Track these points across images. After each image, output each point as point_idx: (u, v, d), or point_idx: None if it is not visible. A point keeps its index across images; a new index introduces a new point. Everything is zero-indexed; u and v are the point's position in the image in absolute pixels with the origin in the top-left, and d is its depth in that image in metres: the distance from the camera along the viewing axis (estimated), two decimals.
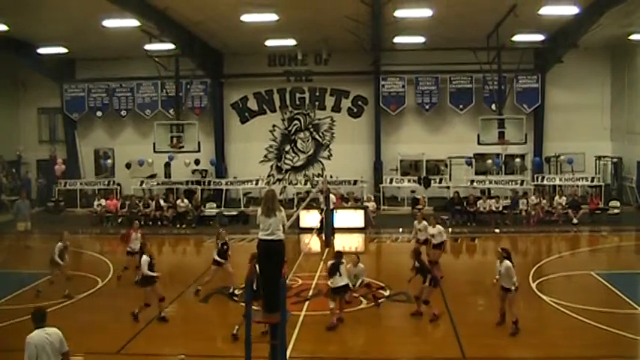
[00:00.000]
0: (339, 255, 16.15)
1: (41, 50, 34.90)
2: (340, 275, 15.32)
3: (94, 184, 38.33)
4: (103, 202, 34.01)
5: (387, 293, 18.86)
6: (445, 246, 21.46)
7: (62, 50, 35.53)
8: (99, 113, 40.02)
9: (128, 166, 37.63)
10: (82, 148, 40.97)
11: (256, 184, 36.83)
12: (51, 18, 29.35)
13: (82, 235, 30.63)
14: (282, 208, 12.18)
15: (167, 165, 37.67)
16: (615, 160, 36.63)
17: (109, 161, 39.91)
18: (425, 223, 21.49)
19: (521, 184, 34.53)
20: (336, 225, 28.55)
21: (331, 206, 28.21)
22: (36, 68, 37.58)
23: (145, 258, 16.51)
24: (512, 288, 15.34)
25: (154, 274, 16.60)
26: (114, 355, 14.28)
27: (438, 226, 20.85)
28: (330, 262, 15.92)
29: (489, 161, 35.74)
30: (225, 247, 19.61)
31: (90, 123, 40.76)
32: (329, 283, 15.84)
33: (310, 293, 18.94)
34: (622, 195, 35.34)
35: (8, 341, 15.08)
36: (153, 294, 16.52)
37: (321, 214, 27.61)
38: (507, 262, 15.54)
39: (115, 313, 17.36)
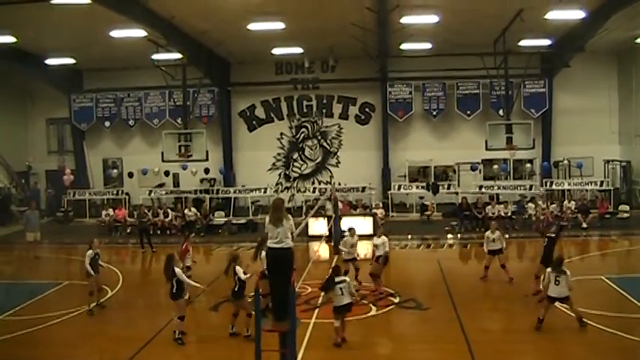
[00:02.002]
0: (336, 271, 15.64)
1: (49, 61, 35.00)
2: (342, 294, 15.07)
3: (103, 194, 38.48)
4: (111, 211, 34.06)
5: (396, 300, 18.81)
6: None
7: (70, 61, 35.68)
8: (107, 123, 40.16)
9: (131, 175, 37.74)
10: (91, 158, 41.13)
11: (264, 192, 36.83)
12: (58, 29, 29.43)
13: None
14: (290, 217, 12.18)
15: (167, 174, 37.82)
16: (624, 163, 36.53)
17: (116, 171, 40.03)
18: (498, 233, 21.34)
19: (530, 189, 34.49)
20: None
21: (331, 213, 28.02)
22: (44, 79, 37.76)
23: (178, 270, 16.24)
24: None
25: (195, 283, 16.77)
26: None
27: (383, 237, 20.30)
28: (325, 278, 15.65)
29: (496, 166, 35.65)
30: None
31: (98, 133, 40.90)
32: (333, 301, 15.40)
33: (320, 301, 18.91)
34: (631, 199, 35.20)
35: (18, 352, 15.18)
36: (188, 304, 16.57)
37: (328, 221, 27.49)
38: (548, 269, 15.80)
39: (125, 323, 17.43)
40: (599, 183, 34.68)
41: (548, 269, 15.76)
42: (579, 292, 19.02)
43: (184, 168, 35.90)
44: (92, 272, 18.51)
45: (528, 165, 36.84)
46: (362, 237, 29.11)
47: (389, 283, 20.65)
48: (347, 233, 21.09)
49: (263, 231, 12.71)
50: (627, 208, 32.48)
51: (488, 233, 21.46)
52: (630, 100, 37.02)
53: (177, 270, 16.28)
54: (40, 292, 20.61)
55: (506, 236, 27.96)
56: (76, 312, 18.12)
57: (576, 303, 16.20)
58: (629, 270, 23.01)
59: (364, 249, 28.22)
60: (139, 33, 28.57)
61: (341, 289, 14.91)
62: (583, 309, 16.75)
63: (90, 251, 18.93)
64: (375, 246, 20.18)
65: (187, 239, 21.23)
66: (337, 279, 15.07)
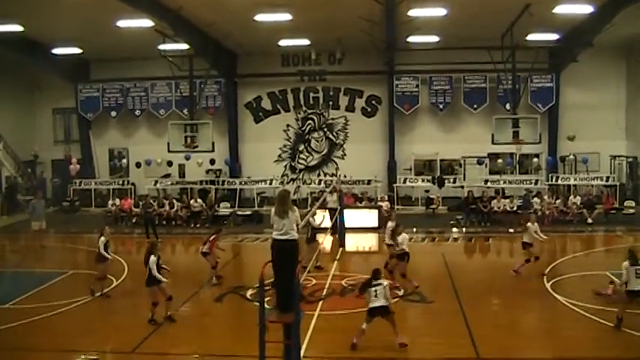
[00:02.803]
0: (375, 273, 15.18)
1: (56, 51, 35.05)
2: (376, 296, 14.88)
3: (109, 184, 38.53)
4: (117, 201, 34.14)
5: (400, 293, 18.81)
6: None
7: (76, 51, 35.71)
8: (113, 113, 40.19)
9: (138, 165, 37.78)
10: (97, 148, 41.21)
11: (270, 183, 36.85)
12: (65, 19, 29.47)
13: (96, 234, 30.63)
14: (295, 208, 12.18)
15: (170, 164, 37.85)
16: (630, 159, 36.45)
17: (124, 161, 40.06)
18: (537, 224, 21.32)
19: (536, 183, 34.44)
20: (350, 225, 28.49)
21: (337, 205, 27.87)
22: (51, 69, 37.75)
23: (153, 258, 16.48)
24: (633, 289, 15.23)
25: (161, 277, 16.67)
26: (129, 354, 14.29)
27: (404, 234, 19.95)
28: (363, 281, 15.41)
29: (501, 161, 35.60)
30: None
31: (104, 123, 40.96)
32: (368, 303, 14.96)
33: (324, 293, 18.95)
34: (637, 195, 35.16)
35: (23, 340, 15.23)
36: (160, 293, 16.51)
37: (331, 214, 27.39)
38: (625, 262, 15.45)
39: (129, 313, 17.47)
40: (605, 178, 34.61)
41: (626, 263, 15.49)
42: (585, 288, 19.06)
43: (187, 158, 35.93)
44: (108, 255, 19.05)
45: (535, 159, 36.74)
46: (367, 230, 29.37)
47: (393, 276, 20.67)
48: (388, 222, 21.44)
49: (269, 222, 12.71)
50: (633, 203, 32.49)
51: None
52: (638, 95, 36.88)
53: (152, 259, 16.47)
54: (45, 281, 20.67)
55: (511, 231, 28.05)
56: (81, 301, 18.16)
57: (580, 299, 16.21)
58: None
59: (369, 241, 28.39)
60: (146, 23, 28.63)
61: (376, 291, 14.74)
62: (588, 305, 16.78)
63: (102, 238, 19.15)
64: (395, 244, 19.80)
65: (218, 233, 21.82)
66: (374, 282, 14.90)
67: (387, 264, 19.88)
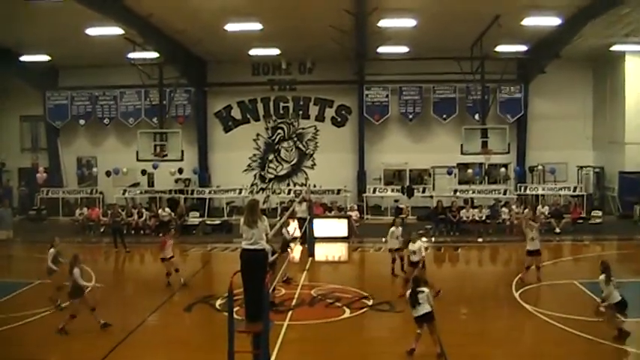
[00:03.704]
0: (416, 281, 15.25)
1: (24, 58, 34.74)
2: (420, 304, 14.85)
3: (77, 193, 38.21)
4: (85, 210, 33.83)
5: (370, 302, 18.81)
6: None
7: (45, 58, 35.38)
8: (82, 121, 39.83)
9: (108, 174, 37.47)
10: (65, 157, 40.78)
11: (240, 193, 36.74)
12: (34, 26, 29.19)
13: (63, 244, 30.31)
14: (265, 218, 12.15)
15: (143, 172, 37.49)
16: (597, 169, 36.92)
17: (94, 169, 39.64)
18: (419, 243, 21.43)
19: (504, 193, 34.66)
20: (320, 234, 28.46)
21: (306, 215, 27.90)
22: (18, 76, 37.29)
23: (77, 270, 16.33)
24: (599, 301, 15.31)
25: (87, 284, 16.65)
26: None
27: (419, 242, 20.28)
28: (409, 292, 15.05)
29: (470, 171, 35.82)
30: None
31: (73, 131, 40.57)
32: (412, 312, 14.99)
33: (293, 303, 18.90)
34: (604, 204, 35.61)
35: None
36: (83, 305, 16.35)
37: (300, 224, 27.42)
38: (601, 276, 15.52)
39: (97, 323, 17.25)
40: (572, 188, 34.93)
41: (603, 277, 15.48)
42: (552, 297, 19.23)
43: (155, 167, 35.70)
44: (55, 268, 18.62)
45: (503, 169, 36.97)
46: (337, 239, 29.34)
47: (363, 286, 20.69)
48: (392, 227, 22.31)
49: (238, 232, 12.66)
50: (600, 213, 32.78)
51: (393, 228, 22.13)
52: (604, 106, 37.39)
53: (76, 271, 16.31)
54: (11, 290, 20.42)
55: (480, 240, 28.21)
56: (48, 311, 17.94)
57: (549, 307, 16.31)
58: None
59: (338, 251, 28.40)
60: (116, 31, 28.45)
61: (419, 298, 14.68)
62: (556, 313, 16.89)
63: (52, 250, 18.95)
64: (413, 252, 19.83)
65: (168, 233, 22.33)
66: (418, 289, 14.85)
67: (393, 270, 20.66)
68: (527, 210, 31.25)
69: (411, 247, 19.94)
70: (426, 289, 14.90)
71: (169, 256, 21.42)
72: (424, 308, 14.55)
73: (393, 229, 22.17)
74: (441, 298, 18.96)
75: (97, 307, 16.67)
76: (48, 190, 37.76)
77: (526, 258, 21.34)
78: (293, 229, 23.27)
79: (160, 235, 26.40)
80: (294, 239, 23.22)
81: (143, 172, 37.45)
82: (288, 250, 21.92)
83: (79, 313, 16.30)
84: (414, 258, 19.74)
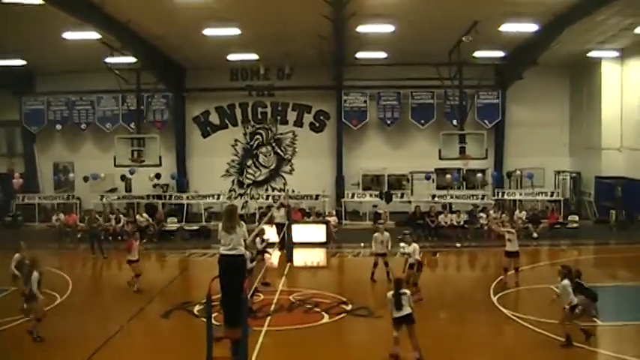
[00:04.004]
0: (398, 283, 15.17)
1: None
2: (403, 305, 14.75)
3: (53, 199, 37.84)
4: (62, 216, 33.55)
5: (348, 308, 18.81)
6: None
7: (21, 62, 35.06)
8: (58, 126, 39.53)
9: (86, 179, 37.18)
10: (41, 162, 40.43)
11: (218, 198, 36.62)
12: (9, 30, 28.95)
13: (40, 250, 30.08)
14: (243, 224, 12.13)
15: (123, 178, 37.21)
16: (574, 175, 37.19)
17: (70, 175, 39.29)
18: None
19: (482, 198, 34.79)
20: (298, 240, 28.41)
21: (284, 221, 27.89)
22: None
23: (35, 274, 16.21)
24: (565, 307, 15.32)
25: (39, 294, 16.40)
26: None
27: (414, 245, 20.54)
28: (391, 293, 15.06)
29: (448, 176, 35.97)
30: None
31: (49, 136, 40.26)
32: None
33: (272, 308, 18.85)
34: (580, 209, 35.90)
35: None
36: (33, 311, 16.26)
37: (279, 229, 27.43)
38: (565, 281, 15.57)
39: (74, 329, 17.11)
40: (549, 193, 35.16)
41: (566, 282, 15.52)
42: (530, 301, 19.32)
43: (132, 173, 35.52)
44: (17, 274, 18.24)
45: (479, 175, 37.09)
46: (315, 245, 29.31)
47: (341, 292, 20.67)
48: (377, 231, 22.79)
49: (216, 237, 12.62)
50: (576, 218, 33.03)
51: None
52: (581, 112, 37.71)
53: (34, 275, 16.20)
54: None
55: (458, 245, 28.31)
56: (24, 318, 17.72)
57: (526, 312, 16.40)
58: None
59: (317, 256, 28.37)
60: (93, 36, 28.28)
61: (402, 299, 14.73)
62: (533, 318, 16.96)
63: (17, 255, 18.77)
64: (408, 254, 20.16)
65: (133, 236, 22.34)
66: (400, 291, 14.87)
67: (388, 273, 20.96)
68: (503, 215, 31.49)
69: (407, 249, 20.27)
70: (407, 292, 14.97)
71: (135, 258, 21.41)
72: (405, 310, 14.61)
73: (376, 234, 22.49)
74: (419, 303, 18.97)
75: (78, 313, 16.54)
76: (24, 196, 37.36)
77: (504, 259, 21.57)
78: (271, 234, 23.27)
79: (125, 238, 26.54)
80: (269, 245, 23.12)
81: (122, 177, 37.16)
82: (266, 255, 21.87)
83: (44, 315, 16.20)
84: (411, 260, 19.97)
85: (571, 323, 15.39)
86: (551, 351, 15.01)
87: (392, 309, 14.75)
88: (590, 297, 17.43)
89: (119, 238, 31.77)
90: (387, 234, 22.48)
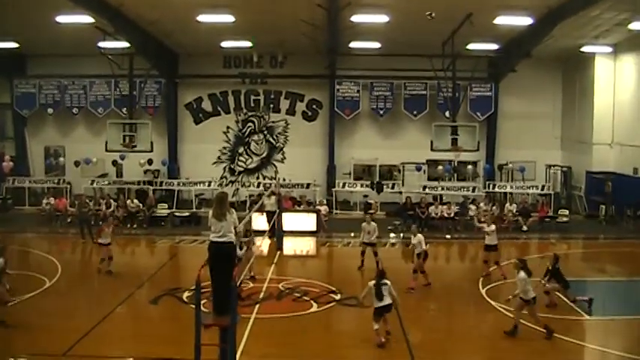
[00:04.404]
0: (382, 275, 15.50)
1: None
2: (384, 296, 15.03)
3: (44, 183, 37.68)
4: (52, 200, 33.44)
5: (337, 297, 18.85)
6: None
7: (13, 45, 34.91)
8: (50, 110, 39.32)
9: (77, 164, 37.05)
10: (32, 146, 40.26)
11: (209, 185, 36.59)
12: (2, 12, 28.78)
13: (29, 234, 30.12)
14: (233, 211, 12.11)
15: (114, 163, 37.06)
16: (565, 169, 37.25)
17: (61, 159, 39.15)
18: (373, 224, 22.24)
19: (473, 190, 34.84)
20: (289, 228, 28.43)
21: (274, 209, 27.95)
22: None
23: (1, 261, 16.36)
24: (528, 298, 15.57)
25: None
26: (60, 357, 13.99)
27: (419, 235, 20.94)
28: (372, 283, 15.33)
29: (440, 167, 35.98)
30: None
31: (40, 120, 40.07)
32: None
33: (261, 296, 18.88)
34: (571, 203, 35.97)
35: None
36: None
37: (269, 217, 27.51)
38: (522, 274, 15.79)
39: (62, 314, 17.10)
40: (540, 187, 35.21)
41: (523, 274, 15.84)
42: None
43: (122, 158, 35.43)
44: None
45: (470, 167, 37.11)
46: (305, 233, 29.33)
47: (331, 281, 20.71)
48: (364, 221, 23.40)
49: (206, 224, 12.61)
50: (567, 212, 33.11)
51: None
52: (573, 107, 37.76)
53: (1, 261, 16.37)
54: None
55: (448, 237, 28.43)
56: (10, 303, 17.66)
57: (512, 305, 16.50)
58: (566, 273, 23.34)
59: (307, 245, 28.40)
60: (86, 19, 28.15)
61: (383, 290, 14.86)
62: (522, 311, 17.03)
63: None
64: (414, 245, 20.73)
65: (106, 222, 22.98)
66: (382, 282, 15.07)
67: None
68: (494, 207, 31.61)
69: (413, 240, 20.79)
70: (388, 282, 15.15)
71: (107, 242, 21.81)
72: (386, 300, 14.85)
73: (364, 224, 22.97)
74: (409, 294, 19.08)
75: (67, 297, 16.51)
76: (14, 180, 37.20)
77: (482, 252, 21.80)
78: (261, 223, 23.37)
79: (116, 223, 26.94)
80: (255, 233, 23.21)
81: (114, 162, 37.03)
82: (252, 247, 21.79)
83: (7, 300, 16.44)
84: (417, 250, 20.46)
85: (528, 314, 15.78)
86: (537, 343, 15.10)
87: (373, 299, 15.01)
88: (563, 284, 18.17)
89: None
90: (373, 224, 22.80)
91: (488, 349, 15.22)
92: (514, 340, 15.36)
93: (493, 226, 22.16)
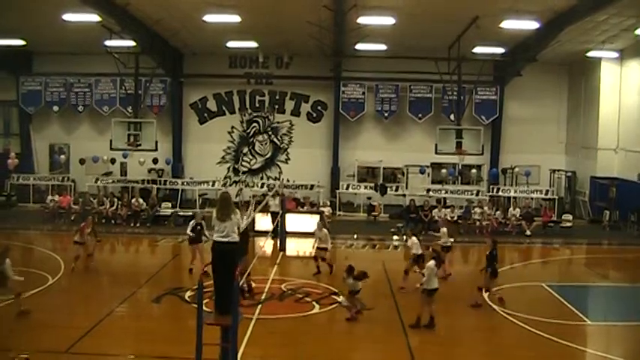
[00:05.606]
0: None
1: None
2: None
3: (48, 180, 37.70)
4: (56, 197, 33.50)
5: (339, 298, 18.83)
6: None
7: (19, 42, 34.95)
8: (55, 108, 39.41)
9: (82, 162, 37.11)
10: (37, 143, 40.33)
11: (213, 185, 36.60)
12: (9, 10, 28.85)
13: (33, 231, 30.15)
14: (237, 211, 12.11)
15: (113, 162, 37.08)
16: (569, 174, 37.19)
17: (64, 157, 39.23)
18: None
19: (477, 194, 34.81)
20: (292, 229, 28.42)
21: (279, 209, 28.00)
22: None
23: (8, 261, 16.57)
24: (431, 288, 16.40)
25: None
26: (62, 354, 13.99)
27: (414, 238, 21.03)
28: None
29: (444, 171, 35.97)
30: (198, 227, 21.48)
31: (46, 117, 40.16)
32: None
33: (263, 297, 18.88)
34: (575, 209, 35.87)
35: None
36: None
37: (273, 218, 27.55)
38: (431, 262, 16.54)
39: (65, 311, 17.13)
40: (544, 192, 35.16)
41: (432, 263, 16.66)
42: (520, 298, 19.37)
43: (125, 156, 35.53)
44: None
45: (474, 170, 37.10)
46: (308, 235, 29.27)
47: (333, 283, 20.69)
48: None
49: (210, 223, 12.61)
50: (570, 217, 32.98)
51: None
52: (578, 111, 37.72)
53: (8, 261, 16.48)
54: None
55: (452, 240, 28.34)
56: (13, 299, 17.69)
57: (515, 309, 16.48)
58: (569, 278, 23.44)
59: (310, 246, 28.34)
60: (93, 18, 28.19)
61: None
62: (524, 315, 17.03)
63: None
64: (409, 247, 21.12)
65: (86, 221, 22.88)
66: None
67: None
68: (497, 212, 31.60)
69: (408, 243, 21.37)
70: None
71: (81, 241, 21.85)
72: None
73: (315, 230, 23.22)
74: (410, 297, 19.01)
75: (69, 295, 16.52)
76: (18, 177, 37.28)
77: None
78: (265, 223, 23.45)
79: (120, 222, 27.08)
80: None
81: (112, 161, 37.05)
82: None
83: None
84: (412, 252, 20.77)
85: (426, 305, 16.39)
86: (538, 348, 15.10)
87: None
88: (492, 271, 18.59)
89: (112, 221, 31.78)
90: (325, 231, 22.81)
91: (489, 352, 15.20)
92: (517, 345, 15.35)
93: (445, 229, 22.84)
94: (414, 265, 20.42)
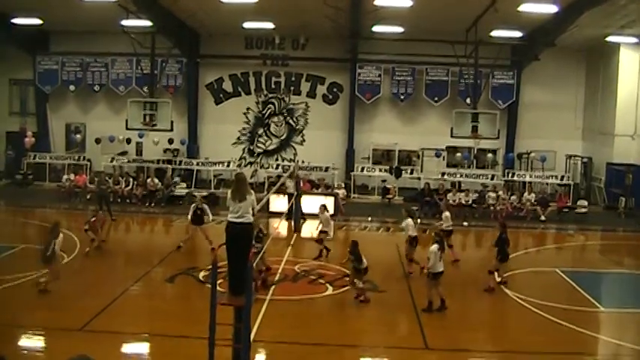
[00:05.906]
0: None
1: (15, 21, 34.27)
2: (363, 262, 16.67)
3: (64, 159, 37.89)
4: (72, 176, 33.67)
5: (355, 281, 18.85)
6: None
7: (36, 22, 34.96)
8: (72, 87, 39.52)
9: (98, 141, 37.25)
10: (53, 122, 40.46)
11: (228, 166, 36.71)
12: None
13: (49, 209, 30.32)
14: (252, 192, 12.12)
15: (128, 141, 37.19)
16: (585, 160, 36.98)
17: (79, 136, 39.37)
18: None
19: (492, 178, 34.73)
20: (306, 211, 28.42)
21: (293, 191, 28.02)
22: (9, 39, 36.83)
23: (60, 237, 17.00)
24: (436, 272, 16.48)
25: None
26: (77, 331, 14.09)
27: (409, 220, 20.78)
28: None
29: (459, 154, 35.87)
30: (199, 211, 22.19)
31: (62, 97, 40.26)
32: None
33: (276, 278, 18.92)
34: (590, 195, 35.69)
35: None
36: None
37: (289, 199, 27.60)
38: (434, 246, 16.49)
39: (79, 289, 17.22)
40: (559, 177, 35.05)
41: (434, 247, 16.63)
42: (534, 284, 19.34)
43: (141, 136, 35.68)
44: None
45: (490, 155, 36.99)
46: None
47: (346, 264, 20.70)
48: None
49: (224, 204, 12.63)
50: (585, 203, 32.86)
51: None
52: (596, 97, 37.45)
53: (61, 236, 17.04)
54: None
55: (465, 224, 28.31)
56: (29, 276, 17.80)
57: (529, 294, 16.44)
58: (583, 264, 23.34)
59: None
60: None
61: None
62: (537, 300, 17.01)
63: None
64: (404, 228, 20.74)
65: (97, 215, 22.92)
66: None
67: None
68: (513, 196, 31.48)
69: (403, 224, 20.69)
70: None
71: (93, 235, 21.82)
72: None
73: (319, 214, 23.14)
74: (423, 281, 18.99)
75: (84, 273, 16.62)
76: (35, 155, 37.47)
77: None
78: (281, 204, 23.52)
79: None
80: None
81: (128, 140, 37.16)
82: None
83: (57, 276, 16.71)
84: (406, 235, 20.53)
85: (433, 288, 16.44)
86: (550, 333, 15.07)
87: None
88: (501, 255, 18.72)
89: (127, 201, 31.93)
90: (326, 214, 23.01)
91: (502, 338, 15.20)
92: (529, 330, 15.33)
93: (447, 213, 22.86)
94: (412, 249, 20.32)
